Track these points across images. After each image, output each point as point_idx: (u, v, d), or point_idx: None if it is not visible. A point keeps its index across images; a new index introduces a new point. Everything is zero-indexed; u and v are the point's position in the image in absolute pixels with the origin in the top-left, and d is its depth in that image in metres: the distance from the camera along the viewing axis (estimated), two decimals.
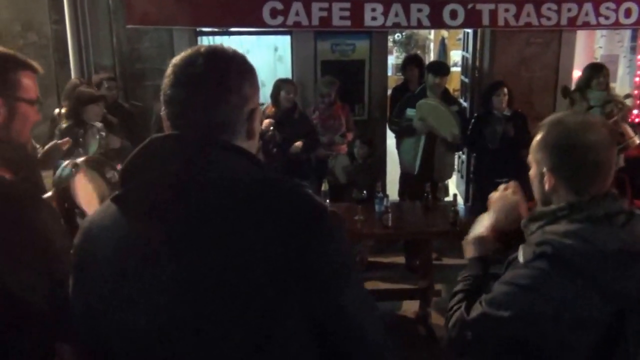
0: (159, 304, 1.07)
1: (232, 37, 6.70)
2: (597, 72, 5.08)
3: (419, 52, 12.08)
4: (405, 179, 5.58)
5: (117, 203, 1.14)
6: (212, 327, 1.05)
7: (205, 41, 6.57)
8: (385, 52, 6.54)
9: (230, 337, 1.05)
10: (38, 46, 5.63)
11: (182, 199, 1.08)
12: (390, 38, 11.58)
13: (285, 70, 6.63)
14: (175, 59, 1.21)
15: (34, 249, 1.40)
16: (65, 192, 1.76)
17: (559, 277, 1.42)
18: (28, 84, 1.59)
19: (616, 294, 1.42)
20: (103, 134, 4.49)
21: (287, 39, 6.34)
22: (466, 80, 7.06)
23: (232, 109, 1.16)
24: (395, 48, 13.23)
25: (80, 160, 1.88)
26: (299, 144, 5.17)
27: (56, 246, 1.43)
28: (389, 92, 6.55)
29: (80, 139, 4.39)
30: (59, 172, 1.83)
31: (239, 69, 1.18)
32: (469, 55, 6.93)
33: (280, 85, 5.32)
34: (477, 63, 6.72)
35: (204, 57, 1.17)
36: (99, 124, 4.49)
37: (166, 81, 1.19)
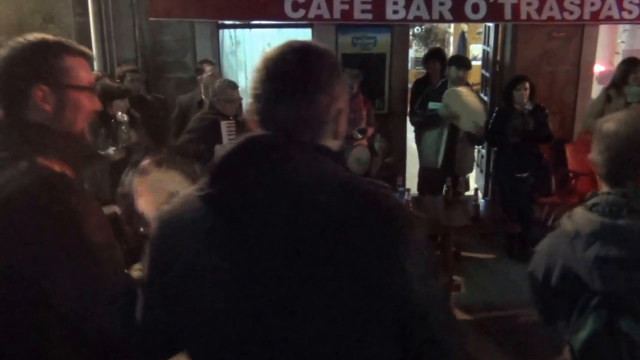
0: (243, 300, 1.10)
1: (254, 30, 6.71)
2: (633, 67, 5.03)
3: (438, 45, 12.00)
4: (426, 173, 5.58)
5: (206, 200, 1.13)
6: (303, 326, 1.08)
7: (227, 34, 6.62)
8: (406, 46, 6.53)
9: (320, 337, 1.08)
10: None
11: (275, 199, 1.08)
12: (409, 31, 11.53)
13: None
14: (267, 53, 1.19)
15: (72, 244, 1.38)
16: (124, 197, 1.73)
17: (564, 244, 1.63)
18: (77, 70, 1.51)
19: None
20: (124, 128, 4.54)
21: (308, 32, 6.34)
22: (487, 74, 7.03)
23: (321, 107, 1.15)
24: (415, 42, 13.19)
25: (146, 162, 1.82)
26: None
27: (95, 242, 1.40)
28: (409, 86, 6.55)
29: (112, 131, 4.46)
30: (123, 176, 1.79)
31: (330, 68, 1.17)
32: (490, 49, 6.89)
33: None
34: (499, 57, 6.69)
35: (296, 53, 1.16)
36: (125, 118, 4.54)
37: (256, 75, 1.18)
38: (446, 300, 1.25)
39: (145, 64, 6.00)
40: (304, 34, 6.60)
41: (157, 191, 1.75)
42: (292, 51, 1.16)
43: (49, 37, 1.52)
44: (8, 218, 1.35)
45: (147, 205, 1.70)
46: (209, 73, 5.09)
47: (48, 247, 1.35)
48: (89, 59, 1.57)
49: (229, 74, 6.47)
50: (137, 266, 1.61)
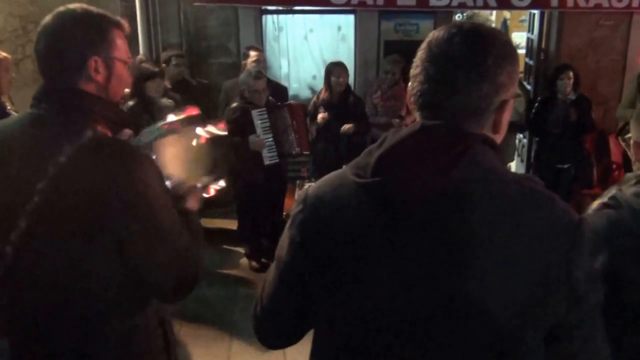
0: (395, 296, 1.06)
1: (296, 16, 6.74)
2: None
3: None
4: None
5: (369, 189, 1.08)
6: (457, 324, 1.03)
7: (270, 20, 6.66)
8: None
9: (476, 338, 1.04)
10: None
11: (442, 195, 1.02)
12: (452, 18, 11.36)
13: (348, 50, 6.64)
14: (434, 32, 1.13)
15: (138, 205, 1.43)
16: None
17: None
18: (121, 43, 1.56)
19: None
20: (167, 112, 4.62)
21: (351, 18, 6.35)
22: (530, 62, 6.92)
23: (482, 96, 1.08)
24: None
25: (167, 120, 1.81)
26: (349, 126, 5.17)
27: (160, 203, 1.46)
28: None
29: (153, 116, 4.56)
30: (144, 132, 1.79)
31: (498, 54, 1.09)
32: (534, 37, 6.78)
33: (330, 69, 5.26)
34: (543, 45, 6.58)
35: (464, 35, 1.09)
36: (167, 102, 4.62)
37: (419, 54, 1.13)
38: (598, 328, 1.12)
39: (189, 48, 6.09)
40: (346, 20, 6.62)
41: (175, 146, 1.76)
42: (459, 32, 1.09)
43: (93, 8, 1.55)
44: (89, 187, 1.39)
45: (168, 160, 1.72)
46: (254, 58, 5.15)
47: (127, 213, 1.41)
48: (126, 32, 1.61)
49: (271, 60, 6.53)
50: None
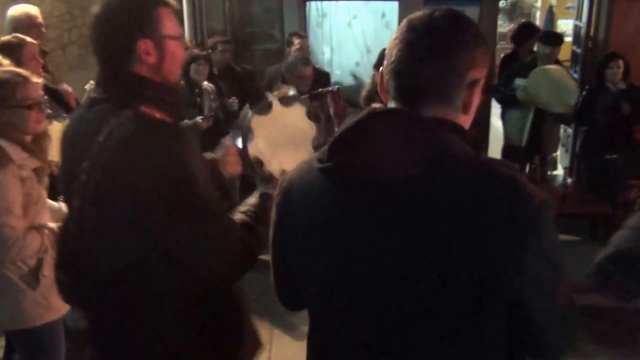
0: (361, 274, 1.11)
1: (340, 2, 6.73)
2: None
3: (523, 20, 11.61)
4: (510, 151, 5.48)
5: (326, 174, 1.14)
6: (412, 306, 1.08)
7: (314, 6, 6.66)
8: (495, 20, 6.36)
9: (429, 322, 1.08)
10: None
11: (398, 177, 1.04)
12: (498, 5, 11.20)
13: (391, 37, 6.56)
14: (410, 16, 1.16)
15: (167, 186, 1.41)
16: (244, 138, 1.69)
17: None
18: (169, 20, 1.55)
19: None
20: (212, 96, 4.69)
21: (394, 4, 6.29)
22: (578, 50, 6.76)
23: (448, 71, 1.09)
24: (499, 16, 12.79)
25: (270, 98, 1.76)
26: None
27: (192, 179, 1.43)
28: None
29: (198, 99, 4.64)
30: (242, 116, 1.76)
31: (476, 31, 1.11)
32: (582, 24, 6.60)
33: (384, 54, 5.26)
34: (592, 32, 6.42)
35: (442, 12, 1.12)
36: (208, 86, 4.69)
37: (395, 35, 1.16)
38: (566, 310, 1.16)
39: (233, 35, 6.15)
40: (390, 7, 6.57)
41: (274, 129, 1.72)
42: (439, 10, 1.12)
43: None
44: (117, 163, 1.41)
45: (263, 144, 1.70)
46: (297, 46, 5.17)
47: (154, 193, 1.40)
48: (174, 9, 1.60)
49: (314, 46, 6.54)
50: (241, 208, 1.66)
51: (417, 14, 1.15)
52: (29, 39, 3.42)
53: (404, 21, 1.16)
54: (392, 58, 1.14)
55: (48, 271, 2.44)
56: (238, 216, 1.61)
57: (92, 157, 1.45)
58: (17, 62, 2.98)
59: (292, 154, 1.69)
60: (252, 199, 1.70)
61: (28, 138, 2.41)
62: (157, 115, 1.53)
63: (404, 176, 1.04)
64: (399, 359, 1.13)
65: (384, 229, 1.07)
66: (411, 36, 1.12)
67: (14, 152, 2.30)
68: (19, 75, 2.36)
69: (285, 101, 1.79)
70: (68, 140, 1.61)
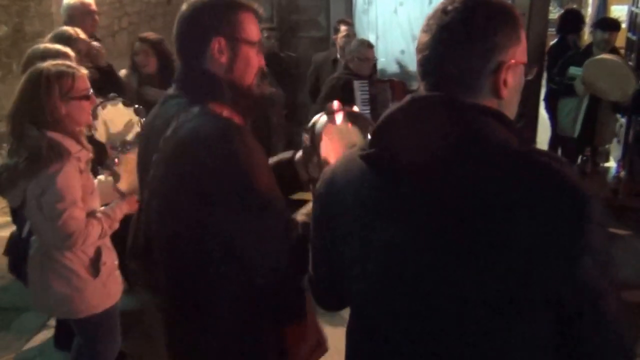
0: (402, 264, 1.09)
1: None
2: None
3: (575, 6, 11.29)
4: (561, 141, 5.36)
5: (367, 161, 1.14)
6: (454, 296, 1.05)
7: None
8: (546, 5, 6.18)
9: (470, 313, 1.04)
10: None
11: (440, 164, 1.03)
12: None
13: None
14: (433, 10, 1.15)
15: (238, 185, 1.43)
16: (312, 141, 1.72)
17: None
18: (249, 25, 1.57)
19: None
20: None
21: None
22: (634, 37, 6.54)
23: (473, 57, 1.08)
24: (551, 2, 12.46)
25: (338, 112, 1.79)
26: None
27: (256, 184, 1.44)
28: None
29: None
30: (314, 120, 1.78)
31: (490, 14, 1.08)
32: (639, 11, 6.39)
33: None
34: None
35: (460, 2, 1.09)
36: None
37: (421, 29, 1.16)
38: (620, 313, 1.07)
39: (280, 22, 6.16)
40: None
41: (342, 139, 1.76)
42: (454, 1, 1.10)
43: None
44: (180, 158, 1.44)
45: (328, 150, 1.73)
46: (344, 33, 5.15)
47: (213, 189, 1.42)
48: (258, 15, 1.62)
49: (359, 34, 6.49)
50: (302, 211, 1.66)
51: (436, 7, 1.14)
52: (82, 34, 3.50)
53: (426, 17, 1.16)
54: (417, 57, 1.15)
55: (106, 258, 2.52)
56: (299, 217, 1.61)
57: (160, 151, 1.49)
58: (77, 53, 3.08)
59: None
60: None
61: (80, 130, 2.48)
62: (225, 113, 1.54)
63: (445, 163, 1.03)
64: (444, 355, 1.10)
65: (426, 216, 1.06)
66: (427, 36, 1.12)
67: (71, 145, 2.36)
68: (72, 67, 2.42)
69: (353, 117, 1.83)
70: (144, 135, 1.67)
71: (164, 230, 1.55)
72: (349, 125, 1.81)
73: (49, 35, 3.58)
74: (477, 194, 1.01)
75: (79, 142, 2.42)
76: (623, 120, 6.42)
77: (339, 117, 1.79)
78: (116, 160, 2.54)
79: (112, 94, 3.09)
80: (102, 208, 2.54)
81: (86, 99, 2.41)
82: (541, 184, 0.99)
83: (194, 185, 1.42)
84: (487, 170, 1.01)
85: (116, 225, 2.52)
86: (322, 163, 1.69)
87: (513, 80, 1.12)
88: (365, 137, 1.80)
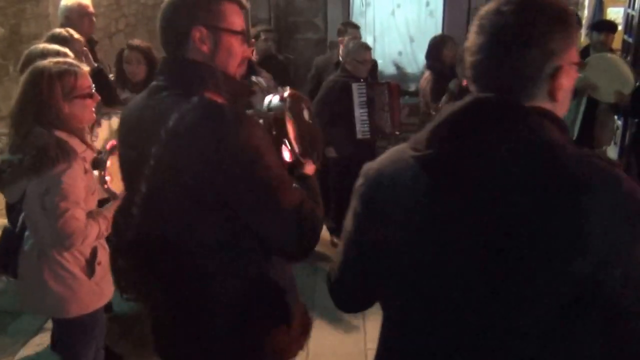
0: (452, 265, 1.08)
1: None
2: None
3: (571, 8, 11.29)
4: None
5: (423, 163, 1.10)
6: (505, 300, 1.03)
7: None
8: None
9: (519, 319, 1.03)
10: None
11: (500, 168, 1.02)
12: None
13: (435, 26, 6.52)
14: (487, 5, 1.13)
15: (243, 165, 1.44)
16: (276, 122, 1.73)
17: None
18: (232, 15, 1.57)
19: None
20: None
21: None
22: (630, 39, 6.55)
23: (531, 63, 1.07)
24: None
25: (287, 93, 1.83)
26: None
27: (266, 162, 1.46)
28: None
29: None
30: (267, 102, 1.81)
31: (548, 19, 1.07)
32: (635, 13, 6.40)
33: (446, 41, 5.18)
34: None
35: (513, 3, 1.08)
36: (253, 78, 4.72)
37: (471, 28, 1.14)
38: None
39: (277, 24, 6.16)
40: None
41: (295, 121, 1.80)
42: (509, 2, 1.08)
43: None
44: (193, 147, 1.44)
45: (291, 132, 1.76)
46: (351, 36, 5.17)
47: (233, 168, 1.44)
48: (243, 7, 1.62)
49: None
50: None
51: (489, 5, 1.11)
52: (76, 35, 3.49)
53: (476, 18, 1.14)
54: (468, 58, 1.14)
55: (101, 258, 2.51)
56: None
57: (161, 143, 1.47)
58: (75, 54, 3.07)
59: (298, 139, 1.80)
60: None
61: (84, 129, 2.46)
62: (219, 100, 1.54)
63: (506, 167, 1.02)
64: (486, 356, 1.09)
65: (483, 219, 1.03)
66: (481, 37, 1.10)
67: (77, 144, 2.35)
68: (74, 64, 2.40)
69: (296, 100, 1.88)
70: (131, 127, 1.63)
71: (167, 222, 1.54)
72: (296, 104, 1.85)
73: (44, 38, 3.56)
74: (540, 197, 0.99)
75: (83, 141, 2.40)
76: (620, 123, 6.44)
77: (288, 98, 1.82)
78: (108, 162, 2.54)
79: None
80: (99, 209, 2.52)
81: (89, 97, 2.39)
82: (603, 191, 0.99)
83: (214, 168, 1.43)
84: (550, 174, 1.00)
85: (110, 227, 2.50)
86: (294, 145, 1.73)
87: (567, 82, 1.12)
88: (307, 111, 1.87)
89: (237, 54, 1.60)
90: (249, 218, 1.50)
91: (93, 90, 2.42)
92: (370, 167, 1.25)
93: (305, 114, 1.88)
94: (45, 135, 2.26)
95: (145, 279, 1.64)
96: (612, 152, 6.69)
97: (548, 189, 0.99)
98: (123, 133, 1.69)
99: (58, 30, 3.51)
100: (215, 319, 1.59)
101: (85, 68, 2.43)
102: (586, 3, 12.51)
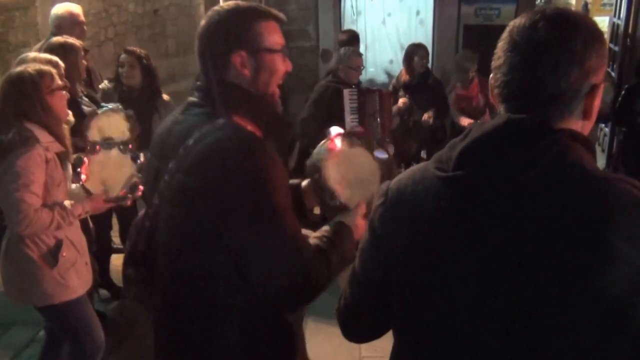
0: (475, 291, 1.04)
1: (375, 0, 6.70)
2: None
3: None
4: None
5: (451, 182, 1.08)
6: (537, 323, 1.00)
7: (349, 4, 6.64)
8: None
9: (553, 334, 1.00)
10: (183, 6, 5.85)
11: (530, 191, 1.00)
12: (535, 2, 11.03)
13: (425, 35, 6.57)
14: (515, 21, 1.09)
15: (257, 200, 1.41)
16: (313, 168, 1.71)
17: None
18: (271, 33, 1.55)
19: None
20: None
21: (430, 2, 6.27)
22: (615, 48, 6.64)
23: (572, 81, 1.04)
24: None
25: (339, 138, 1.77)
26: (429, 114, 5.16)
27: (279, 204, 1.42)
28: None
29: None
30: (317, 149, 1.76)
31: (587, 37, 1.04)
32: (620, 22, 6.49)
33: (413, 50, 5.31)
34: (630, 30, 6.30)
35: (548, 20, 1.05)
36: None
37: (500, 44, 1.10)
38: None
39: None
40: (425, 5, 6.53)
41: (344, 164, 1.75)
42: (543, 18, 1.05)
43: (243, 3, 1.57)
44: (203, 168, 1.42)
45: (333, 177, 1.71)
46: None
47: (234, 200, 1.40)
48: (279, 21, 1.60)
49: None
50: (316, 234, 1.64)
51: (519, 22, 1.08)
52: (71, 40, 3.49)
53: (506, 31, 1.10)
54: (499, 76, 1.10)
55: (67, 252, 2.57)
56: (312, 241, 1.58)
57: (178, 159, 1.47)
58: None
59: (361, 190, 1.74)
60: (327, 227, 1.68)
61: (64, 126, 2.61)
62: (249, 127, 1.52)
63: (537, 192, 1.00)
64: None
65: (511, 244, 1.01)
66: (515, 55, 1.07)
67: (41, 135, 2.47)
68: (51, 61, 2.63)
69: (352, 137, 1.82)
70: (160, 139, 1.62)
71: (173, 239, 1.53)
72: (353, 146, 1.79)
73: (38, 45, 3.54)
74: (571, 222, 0.97)
75: (55, 134, 2.52)
76: (607, 130, 6.51)
77: (339, 141, 1.78)
78: (85, 160, 2.64)
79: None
80: (66, 202, 2.58)
81: (65, 89, 2.60)
82: (632, 216, 0.97)
83: (215, 195, 1.41)
84: (580, 196, 0.98)
85: (73, 221, 2.59)
86: (333, 191, 1.69)
87: (598, 100, 1.10)
88: (371, 152, 1.79)
89: (280, 71, 1.59)
90: (240, 254, 1.45)
91: (67, 83, 2.63)
92: (389, 187, 1.20)
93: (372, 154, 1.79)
94: (13, 125, 2.42)
95: (150, 293, 1.63)
96: (601, 159, 6.77)
97: (577, 216, 0.97)
98: (153, 144, 1.68)
99: (57, 39, 3.48)
100: (222, 340, 1.55)
101: (53, 69, 2.58)
102: None
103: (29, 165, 2.39)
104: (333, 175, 1.71)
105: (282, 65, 1.59)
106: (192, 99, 1.60)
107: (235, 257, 1.44)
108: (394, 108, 5.14)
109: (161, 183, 1.51)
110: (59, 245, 2.55)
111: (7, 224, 2.48)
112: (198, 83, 1.61)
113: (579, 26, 1.05)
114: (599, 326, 0.97)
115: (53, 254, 2.53)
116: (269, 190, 1.42)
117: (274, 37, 1.56)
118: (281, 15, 1.61)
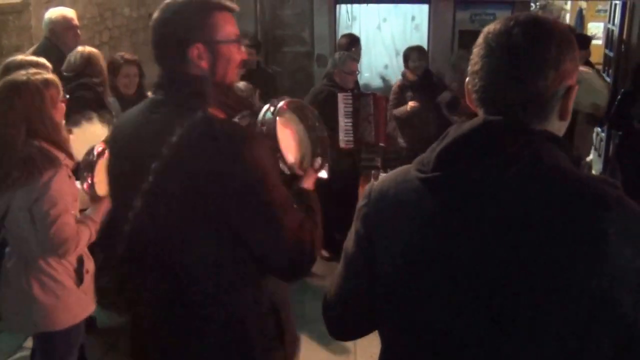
0: (458, 291, 1.05)
1: (370, 6, 6.70)
2: None
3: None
4: None
5: (431, 184, 1.09)
6: (519, 322, 1.00)
7: (344, 9, 6.66)
8: None
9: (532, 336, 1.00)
10: None
11: (509, 192, 1.01)
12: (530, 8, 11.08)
13: (421, 40, 6.55)
14: (489, 27, 1.12)
15: (247, 184, 1.43)
16: (267, 135, 1.73)
17: None
18: (225, 25, 1.54)
19: None
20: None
21: (425, 7, 6.28)
22: (610, 54, 6.67)
23: (549, 84, 1.06)
24: None
25: (281, 103, 1.82)
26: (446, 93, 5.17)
27: (270, 182, 1.46)
28: None
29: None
30: (261, 115, 1.80)
31: (561, 41, 1.07)
32: (615, 28, 6.52)
33: (408, 54, 5.31)
34: (625, 36, 6.33)
35: (522, 25, 1.07)
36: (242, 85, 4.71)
37: (476, 51, 1.12)
38: None
39: (264, 37, 6.17)
40: (420, 10, 6.54)
41: (285, 130, 1.80)
42: (517, 24, 1.07)
43: None
44: (195, 162, 1.43)
45: (284, 144, 1.76)
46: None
47: (237, 188, 1.43)
48: (232, 10, 1.59)
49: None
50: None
51: (494, 27, 1.10)
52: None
53: (481, 37, 1.12)
54: (476, 81, 1.11)
55: (87, 266, 2.50)
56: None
57: (163, 159, 1.45)
58: None
59: (295, 151, 1.82)
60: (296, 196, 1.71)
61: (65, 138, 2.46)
62: (221, 116, 1.54)
63: (515, 188, 1.01)
64: None
65: (492, 242, 1.01)
66: (492, 60, 1.09)
67: (58, 152, 2.35)
68: (50, 73, 2.48)
69: (297, 108, 1.89)
70: (126, 141, 1.60)
71: (171, 237, 1.51)
72: (290, 114, 1.85)
73: (31, 49, 3.51)
74: (553, 215, 0.99)
75: (63, 149, 2.40)
76: (603, 135, 6.53)
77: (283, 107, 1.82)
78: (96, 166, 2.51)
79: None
80: (84, 214, 2.49)
81: (64, 102, 2.45)
82: (618, 210, 0.99)
83: (217, 186, 1.42)
84: (564, 192, 1.00)
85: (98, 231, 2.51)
86: (283, 155, 1.72)
87: (572, 101, 1.12)
88: (306, 123, 1.89)
89: (235, 61, 1.59)
90: (248, 237, 1.48)
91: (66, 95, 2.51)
92: (372, 188, 1.22)
93: (308, 122, 1.88)
94: (27, 145, 2.26)
95: (132, 296, 1.61)
96: (597, 163, 6.78)
97: (563, 208, 0.98)
98: (117, 146, 1.66)
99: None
100: (208, 338, 1.56)
101: (55, 77, 2.47)
102: (567, 17, 12.74)
103: (63, 187, 2.30)
104: (280, 137, 1.74)
105: (238, 55, 1.59)
106: (154, 97, 1.59)
107: (240, 244, 1.48)
108: (401, 110, 5.14)
109: (143, 185, 1.48)
110: (81, 262, 2.47)
111: (38, 253, 2.34)
112: (157, 80, 1.60)
113: (552, 31, 1.08)
114: (583, 322, 0.98)
115: (78, 272, 2.46)
116: (266, 173, 1.46)
117: (229, 28, 1.56)
118: (234, 6, 1.60)
